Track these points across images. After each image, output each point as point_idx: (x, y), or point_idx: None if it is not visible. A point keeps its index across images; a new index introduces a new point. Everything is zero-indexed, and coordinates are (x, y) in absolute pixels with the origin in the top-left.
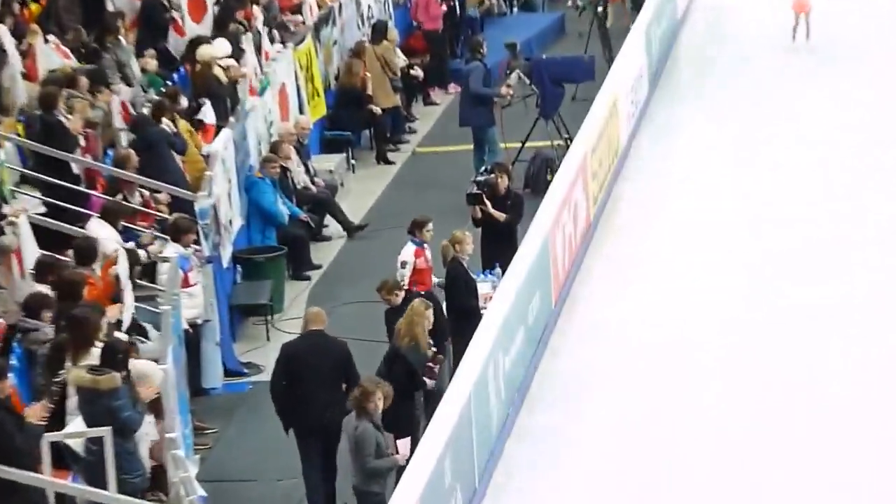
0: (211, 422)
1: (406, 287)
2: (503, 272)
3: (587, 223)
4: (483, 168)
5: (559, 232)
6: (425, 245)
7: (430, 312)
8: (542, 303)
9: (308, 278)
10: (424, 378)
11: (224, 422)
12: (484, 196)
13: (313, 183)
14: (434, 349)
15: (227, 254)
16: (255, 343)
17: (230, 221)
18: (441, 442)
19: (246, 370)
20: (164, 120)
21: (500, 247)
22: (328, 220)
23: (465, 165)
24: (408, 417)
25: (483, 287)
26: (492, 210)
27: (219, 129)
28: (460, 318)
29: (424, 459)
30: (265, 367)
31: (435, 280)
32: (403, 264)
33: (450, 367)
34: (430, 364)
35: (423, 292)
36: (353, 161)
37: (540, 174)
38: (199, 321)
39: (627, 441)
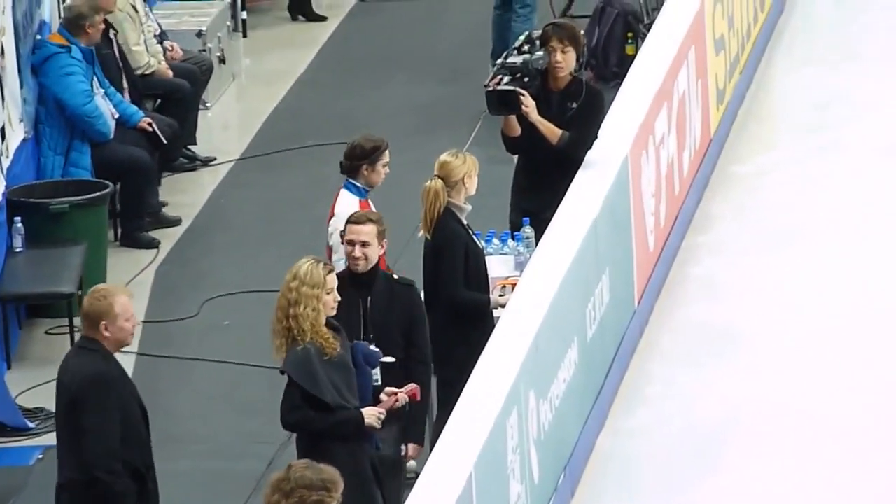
0: None
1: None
2: (538, 235)
3: (705, 140)
4: (525, 34)
5: (649, 159)
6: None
7: (332, 278)
8: (613, 296)
9: (154, 245)
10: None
11: None
12: (521, 94)
13: (166, 56)
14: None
15: None
16: (50, 370)
17: (0, 132)
18: None
19: (32, 424)
20: None
21: (544, 192)
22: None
23: (472, 19)
24: None
25: (499, 264)
26: (538, 119)
27: None
28: (454, 324)
29: None
30: None
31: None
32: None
33: (430, 421)
34: (384, 397)
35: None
36: (244, 14)
37: (612, 42)
38: None
39: None
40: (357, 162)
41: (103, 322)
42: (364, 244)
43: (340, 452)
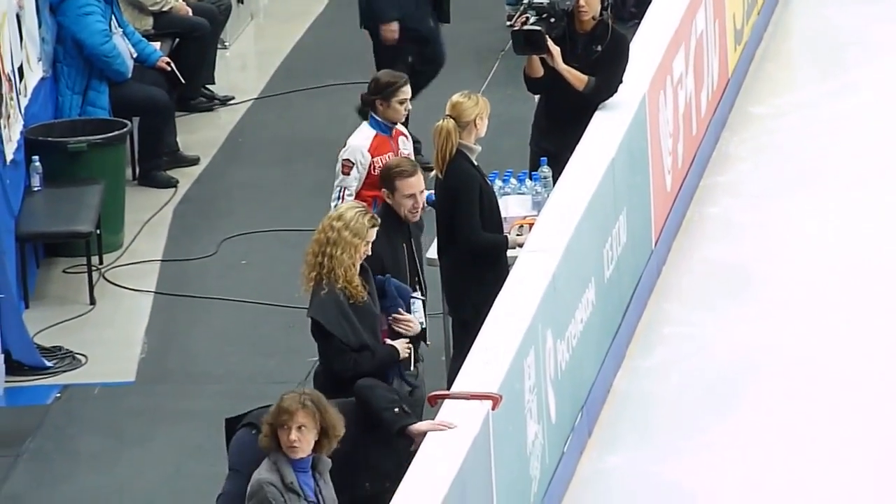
0: None
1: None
2: (555, 174)
3: (723, 80)
4: None
5: (666, 99)
6: (397, 127)
7: (373, 232)
8: (631, 236)
9: (172, 184)
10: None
11: (3, 468)
12: (547, 35)
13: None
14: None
15: (13, 135)
16: (68, 309)
17: (19, 71)
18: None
19: (50, 363)
20: None
21: (565, 133)
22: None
23: None
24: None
25: (516, 204)
26: (564, 68)
27: None
28: (469, 265)
29: None
30: (87, 357)
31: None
32: (347, 166)
33: (447, 356)
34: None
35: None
36: None
37: None
38: None
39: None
40: (371, 96)
41: None
42: (422, 192)
43: None
